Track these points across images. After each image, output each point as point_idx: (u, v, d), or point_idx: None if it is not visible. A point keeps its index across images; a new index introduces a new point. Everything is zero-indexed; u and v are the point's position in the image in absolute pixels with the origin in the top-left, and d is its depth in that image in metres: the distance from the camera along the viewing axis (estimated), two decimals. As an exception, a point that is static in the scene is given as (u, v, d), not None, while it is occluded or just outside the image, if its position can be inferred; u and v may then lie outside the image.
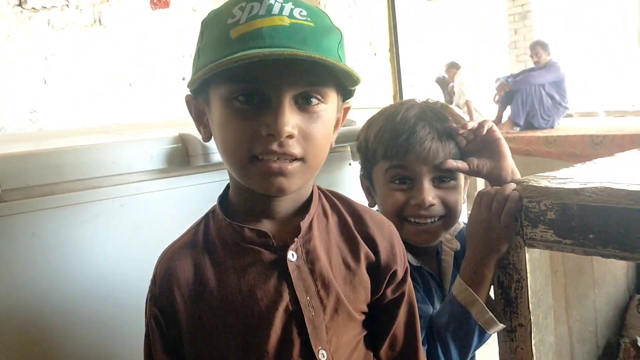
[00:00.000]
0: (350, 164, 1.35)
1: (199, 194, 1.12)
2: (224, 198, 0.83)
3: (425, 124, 1.05)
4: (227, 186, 0.83)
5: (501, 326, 0.95)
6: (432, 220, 1.07)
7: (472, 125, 1.05)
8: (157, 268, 0.81)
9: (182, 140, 1.09)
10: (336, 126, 0.83)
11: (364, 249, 0.81)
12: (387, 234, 0.84)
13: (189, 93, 0.80)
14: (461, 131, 1.06)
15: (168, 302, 0.78)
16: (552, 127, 5.49)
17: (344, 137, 1.32)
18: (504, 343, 0.97)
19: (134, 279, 1.05)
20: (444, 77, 7.07)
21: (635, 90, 6.29)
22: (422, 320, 0.94)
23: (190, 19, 4.10)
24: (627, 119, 5.74)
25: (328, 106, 0.74)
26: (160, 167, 1.07)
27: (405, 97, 2.24)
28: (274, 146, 0.69)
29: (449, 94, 6.80)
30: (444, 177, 1.07)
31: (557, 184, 0.90)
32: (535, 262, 0.93)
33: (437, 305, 1.12)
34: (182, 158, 1.09)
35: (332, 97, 0.75)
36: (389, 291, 0.84)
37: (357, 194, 1.21)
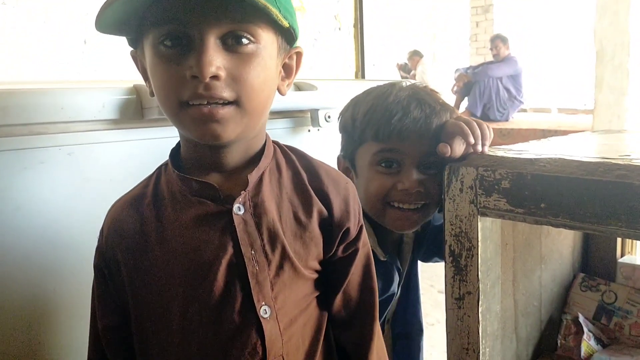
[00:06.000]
0: (309, 130, 1.33)
1: (151, 148, 1.08)
2: (175, 151, 0.81)
3: (418, 105, 1.03)
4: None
5: None
6: (416, 206, 1.06)
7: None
8: (105, 220, 0.81)
9: (137, 92, 1.05)
10: (289, 73, 0.80)
11: (317, 204, 0.79)
12: (342, 190, 0.83)
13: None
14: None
15: (112, 254, 0.77)
16: (506, 120, 5.64)
17: (304, 102, 1.29)
18: (451, 310, 0.98)
19: (79, 231, 1.01)
20: (406, 64, 7.12)
21: (587, 89, 6.51)
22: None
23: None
24: (578, 116, 5.93)
25: (262, 46, 0.70)
26: (112, 117, 1.02)
27: (367, 75, 2.24)
28: (200, 89, 0.66)
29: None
30: (429, 164, 1.05)
31: (513, 154, 0.91)
32: (487, 231, 0.94)
33: (394, 287, 1.14)
34: (135, 110, 1.04)
35: (268, 37, 0.71)
36: (340, 249, 0.83)
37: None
